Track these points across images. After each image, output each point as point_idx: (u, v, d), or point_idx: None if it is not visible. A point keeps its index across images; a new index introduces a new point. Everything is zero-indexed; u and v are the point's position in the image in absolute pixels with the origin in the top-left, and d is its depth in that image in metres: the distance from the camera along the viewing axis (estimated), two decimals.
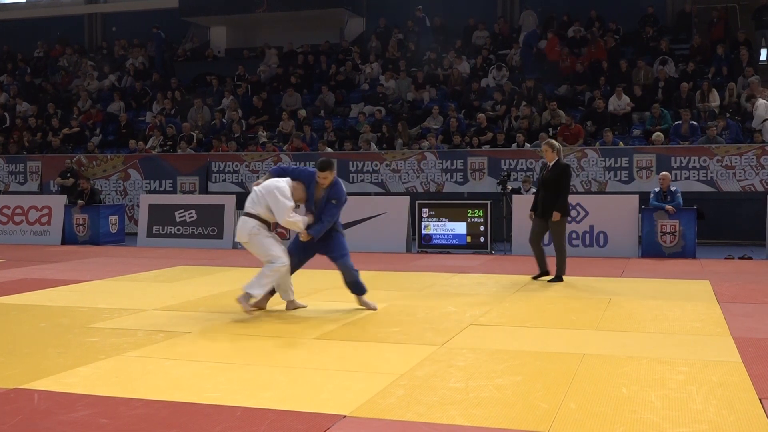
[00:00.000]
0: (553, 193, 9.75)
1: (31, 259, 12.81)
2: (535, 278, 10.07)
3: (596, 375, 5.24)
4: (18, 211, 16.43)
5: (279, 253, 7.34)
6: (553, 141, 10.06)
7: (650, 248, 12.90)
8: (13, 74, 24.96)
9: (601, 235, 13.16)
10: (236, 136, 18.66)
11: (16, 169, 19.26)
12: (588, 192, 15.25)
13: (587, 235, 13.21)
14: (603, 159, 15.47)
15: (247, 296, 7.28)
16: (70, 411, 4.47)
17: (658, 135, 15.59)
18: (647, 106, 17.01)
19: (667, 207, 12.74)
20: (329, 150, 17.34)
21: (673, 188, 13.08)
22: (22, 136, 20.71)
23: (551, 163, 9.83)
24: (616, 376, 5.21)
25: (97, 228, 15.77)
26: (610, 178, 15.42)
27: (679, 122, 15.97)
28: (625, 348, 6.06)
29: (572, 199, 13.44)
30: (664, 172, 13.49)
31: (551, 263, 10.03)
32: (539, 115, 17.43)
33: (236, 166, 17.46)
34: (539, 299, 8.56)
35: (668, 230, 12.84)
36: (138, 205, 16.62)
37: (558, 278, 9.91)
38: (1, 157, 19.63)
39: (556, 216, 9.70)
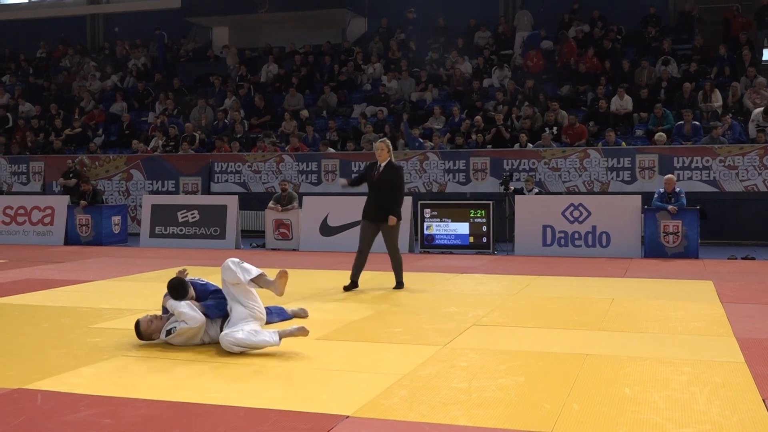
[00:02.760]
0: (387, 196, 9.04)
1: (34, 260, 12.82)
2: (346, 288, 9.15)
3: (599, 375, 5.24)
4: (21, 211, 16.44)
5: (261, 337, 5.94)
6: (388, 141, 9.35)
7: (653, 248, 12.88)
8: (16, 74, 24.99)
9: (604, 236, 13.14)
10: (238, 136, 18.67)
11: (18, 169, 19.28)
12: (590, 192, 15.24)
13: (590, 236, 13.20)
14: (605, 159, 15.46)
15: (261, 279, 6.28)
16: (73, 411, 4.47)
17: (660, 135, 15.58)
18: (650, 106, 16.99)
19: (670, 207, 12.73)
20: (331, 150, 17.35)
21: (677, 189, 13.07)
22: (24, 136, 20.73)
23: (383, 164, 9.07)
24: (619, 376, 5.21)
25: (99, 228, 15.78)
26: (612, 178, 15.41)
27: (682, 122, 15.95)
28: (627, 348, 6.06)
29: (575, 199, 13.52)
30: (669, 175, 13.47)
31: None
32: (541, 115, 17.43)
33: (238, 166, 17.47)
34: (542, 300, 8.55)
35: (671, 230, 12.83)
36: (140, 206, 16.63)
37: (399, 284, 9.32)
38: (4, 157, 19.65)
39: (392, 221, 9.01)
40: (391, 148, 9.17)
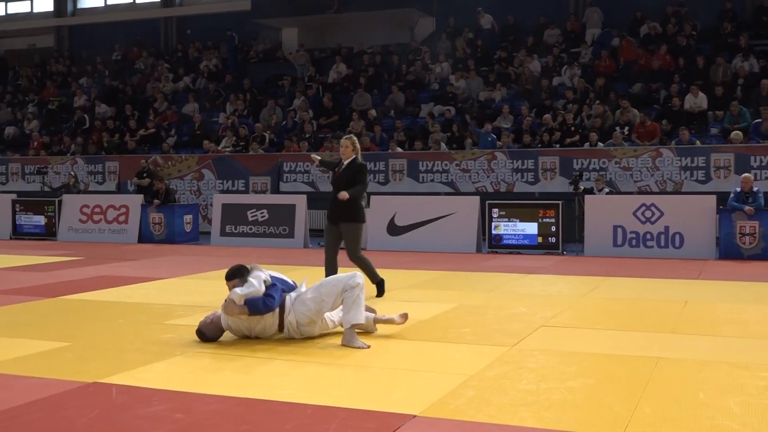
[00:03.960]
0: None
1: (109, 257, 13.16)
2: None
3: (671, 379, 5.12)
4: (97, 210, 16.90)
5: (343, 278, 6.32)
6: (355, 138, 8.70)
7: (728, 250, 12.55)
8: (93, 77, 25.70)
9: (677, 236, 12.86)
10: (307, 136, 18.85)
11: (95, 169, 19.82)
12: (663, 192, 14.93)
13: (662, 236, 12.93)
14: (679, 158, 15.12)
15: (350, 332, 6.17)
16: (146, 405, 4.57)
17: (736, 134, 15.16)
18: (725, 104, 16.55)
19: (747, 208, 12.39)
20: (399, 150, 17.37)
21: (754, 189, 12.71)
22: (101, 137, 21.32)
23: (347, 161, 8.47)
24: (693, 380, 5.08)
25: (172, 227, 16.12)
26: (686, 177, 15.07)
27: (759, 120, 15.50)
28: (701, 352, 5.91)
29: (647, 198, 13.25)
30: (746, 174, 13.11)
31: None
32: (612, 114, 17.14)
33: (307, 166, 17.62)
34: (612, 301, 8.41)
35: (747, 231, 12.48)
36: (211, 205, 16.92)
37: (380, 289, 8.65)
38: (81, 157, 20.24)
39: (342, 195, 8.21)
40: (357, 145, 8.54)
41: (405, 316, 6.60)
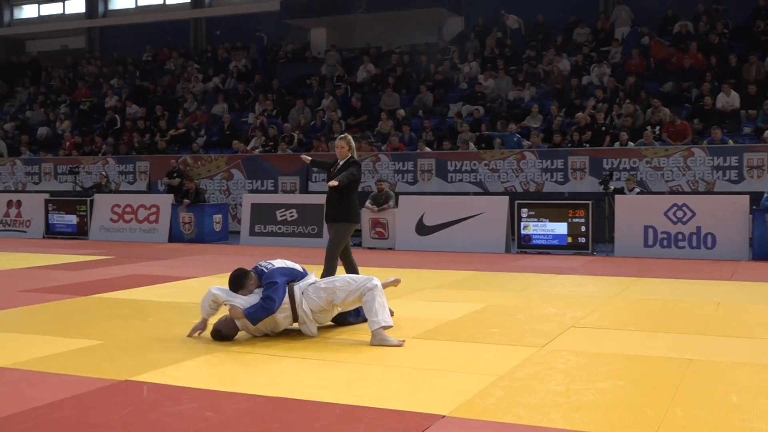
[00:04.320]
0: (344, 196, 8.01)
1: (140, 256, 13.28)
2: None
3: (704, 381, 5.06)
4: (128, 209, 17.06)
5: (359, 279, 6.38)
6: (350, 137, 8.33)
7: (762, 250, 12.38)
8: (124, 78, 25.95)
9: (709, 237, 12.71)
10: (335, 136, 18.85)
11: (126, 169, 20.01)
12: (695, 192, 14.76)
13: (694, 237, 12.79)
14: (711, 158, 14.94)
15: (381, 332, 6.15)
16: (176, 403, 4.61)
17: None
18: (758, 102, 16.32)
19: None
20: (428, 149, 17.35)
21: None
22: (131, 137, 21.51)
23: (342, 161, 8.11)
24: (725, 383, 5.02)
25: (202, 226, 16.23)
26: (718, 177, 14.88)
27: None
28: (734, 354, 5.84)
29: (679, 198, 13.11)
30: None
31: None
32: (643, 113, 16.99)
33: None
34: (643, 302, 8.33)
35: None
36: (241, 204, 17.00)
37: None
38: (113, 157, 20.44)
39: (333, 183, 7.85)
40: (353, 144, 8.20)
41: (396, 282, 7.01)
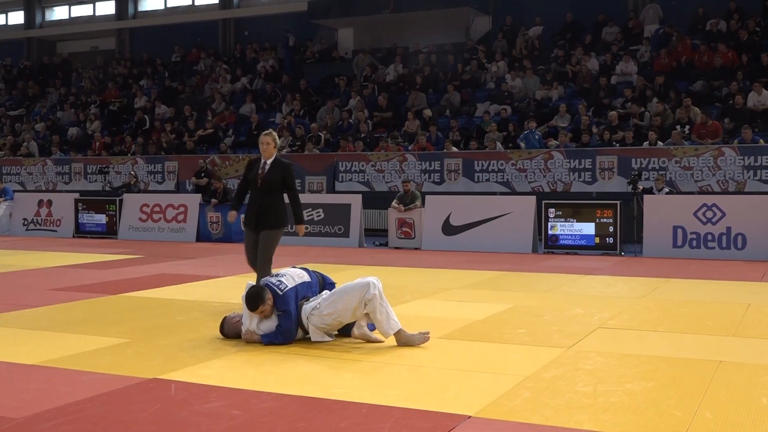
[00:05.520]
0: (275, 199, 7.57)
1: (168, 255, 13.38)
2: None
3: (734, 383, 5.01)
4: (156, 209, 17.20)
5: (358, 293, 6.11)
6: (275, 133, 7.79)
7: None
8: (153, 78, 26.18)
9: (739, 237, 12.57)
10: (362, 136, 18.90)
11: (154, 169, 20.19)
12: (725, 192, 14.60)
13: (724, 237, 12.65)
14: (742, 157, 14.77)
15: (402, 333, 6.14)
16: (204, 402, 4.64)
17: None
18: None
19: None
20: (455, 149, 17.32)
21: None
22: (160, 137, 21.70)
23: (269, 161, 7.54)
24: (756, 385, 4.96)
25: (229, 226, 16.28)
26: (749, 177, 14.71)
27: None
28: (765, 356, 5.76)
29: (709, 199, 12.98)
30: None
31: None
32: (672, 112, 16.83)
33: (362, 165, 17.68)
34: (672, 303, 8.25)
35: None
36: None
37: None
38: (141, 157, 20.63)
39: (301, 230, 7.73)
40: (278, 142, 7.70)
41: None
